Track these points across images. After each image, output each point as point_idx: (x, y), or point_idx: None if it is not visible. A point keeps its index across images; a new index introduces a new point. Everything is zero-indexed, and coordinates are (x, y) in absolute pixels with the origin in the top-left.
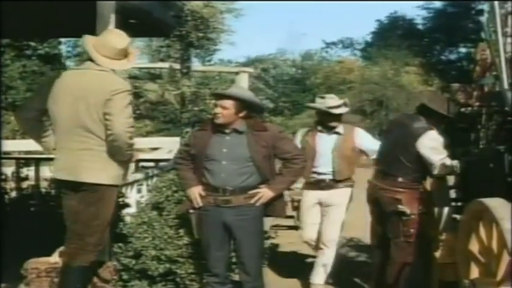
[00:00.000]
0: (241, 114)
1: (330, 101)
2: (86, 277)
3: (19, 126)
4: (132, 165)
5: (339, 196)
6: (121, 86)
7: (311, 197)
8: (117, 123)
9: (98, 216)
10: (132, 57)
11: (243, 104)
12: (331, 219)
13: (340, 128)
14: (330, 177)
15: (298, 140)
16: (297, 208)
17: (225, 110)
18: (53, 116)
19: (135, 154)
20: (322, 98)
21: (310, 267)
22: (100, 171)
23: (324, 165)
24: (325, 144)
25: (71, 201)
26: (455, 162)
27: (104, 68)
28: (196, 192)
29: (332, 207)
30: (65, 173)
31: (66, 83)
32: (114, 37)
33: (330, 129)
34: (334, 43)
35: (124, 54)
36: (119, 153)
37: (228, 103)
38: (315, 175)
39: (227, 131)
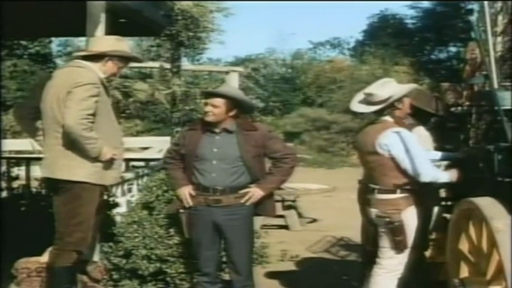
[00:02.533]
0: (231, 113)
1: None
2: (71, 277)
3: (17, 125)
4: (121, 165)
5: None
6: (83, 79)
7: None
8: (70, 114)
9: (75, 215)
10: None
11: (233, 102)
12: None
13: None
14: None
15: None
16: (288, 208)
17: (216, 109)
18: (42, 114)
19: (105, 151)
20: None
21: (300, 266)
22: (74, 168)
23: None
24: None
25: (55, 200)
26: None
27: (80, 64)
28: (186, 192)
29: None
30: (45, 170)
31: (50, 81)
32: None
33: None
34: (323, 43)
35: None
36: (82, 148)
37: (219, 101)
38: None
39: (217, 130)
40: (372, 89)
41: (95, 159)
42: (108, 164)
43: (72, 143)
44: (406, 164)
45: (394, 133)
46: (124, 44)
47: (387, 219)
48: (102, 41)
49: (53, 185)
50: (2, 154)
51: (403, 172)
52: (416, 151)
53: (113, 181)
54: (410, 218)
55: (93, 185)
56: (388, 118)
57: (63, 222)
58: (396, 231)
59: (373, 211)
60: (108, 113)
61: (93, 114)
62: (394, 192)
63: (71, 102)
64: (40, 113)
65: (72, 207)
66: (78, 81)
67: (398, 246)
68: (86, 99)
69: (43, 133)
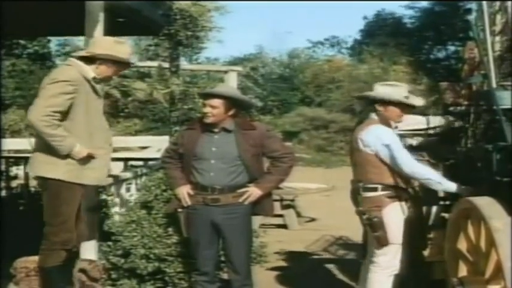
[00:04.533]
0: (230, 113)
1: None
2: (64, 275)
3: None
4: (107, 166)
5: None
6: (59, 75)
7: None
8: (33, 110)
9: (58, 214)
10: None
11: (231, 101)
12: None
13: None
14: None
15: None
16: (286, 207)
17: (215, 109)
18: None
19: (78, 149)
20: (389, 85)
21: (298, 265)
22: (48, 165)
23: None
24: None
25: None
26: None
27: (69, 62)
28: (184, 191)
29: None
30: (28, 167)
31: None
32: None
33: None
34: (322, 42)
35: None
36: (51, 144)
37: (217, 102)
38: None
39: (216, 130)
40: (380, 84)
41: (68, 157)
42: (85, 162)
43: (44, 140)
44: (388, 158)
45: (374, 130)
46: (122, 47)
47: (366, 216)
48: (99, 43)
49: (38, 182)
50: (1, 153)
51: (385, 168)
52: (398, 147)
53: (94, 181)
54: (391, 214)
55: (71, 184)
56: (374, 116)
57: (48, 221)
58: (374, 226)
59: (360, 209)
60: (93, 111)
61: (66, 112)
62: (376, 190)
63: (38, 99)
64: None
65: (53, 205)
66: (53, 77)
67: (379, 242)
68: (55, 96)
69: None
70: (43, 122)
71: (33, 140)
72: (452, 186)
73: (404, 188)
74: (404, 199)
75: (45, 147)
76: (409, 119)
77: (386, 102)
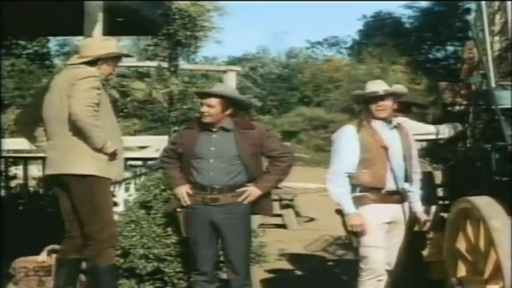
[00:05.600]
0: (227, 112)
1: (381, 85)
2: (116, 274)
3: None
4: (123, 162)
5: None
6: (85, 73)
7: (381, 214)
8: (75, 102)
9: (96, 210)
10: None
11: (228, 101)
12: (398, 242)
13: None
14: (402, 185)
15: (348, 140)
16: (285, 207)
17: (212, 109)
18: (44, 119)
19: (109, 143)
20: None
21: (297, 265)
22: (81, 161)
23: (398, 169)
24: (392, 141)
25: (63, 199)
26: None
27: (80, 65)
28: (183, 190)
29: (401, 225)
30: (51, 168)
31: (51, 85)
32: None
33: (389, 122)
34: (321, 42)
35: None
36: (88, 136)
37: (214, 101)
38: (389, 184)
39: (214, 129)
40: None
41: (99, 152)
42: (112, 158)
43: (77, 139)
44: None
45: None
46: (111, 43)
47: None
48: (90, 46)
49: (59, 182)
50: (0, 153)
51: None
52: (337, 147)
53: (117, 176)
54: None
55: (103, 179)
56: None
57: (88, 220)
58: (344, 228)
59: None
60: (108, 109)
61: (97, 105)
62: (354, 191)
63: (76, 92)
64: (41, 119)
65: (90, 203)
66: (80, 75)
67: (351, 243)
68: (89, 90)
69: (46, 137)
70: (87, 112)
71: None
72: (346, 209)
73: (379, 188)
74: (377, 201)
75: (75, 146)
76: (418, 129)
77: (364, 101)
